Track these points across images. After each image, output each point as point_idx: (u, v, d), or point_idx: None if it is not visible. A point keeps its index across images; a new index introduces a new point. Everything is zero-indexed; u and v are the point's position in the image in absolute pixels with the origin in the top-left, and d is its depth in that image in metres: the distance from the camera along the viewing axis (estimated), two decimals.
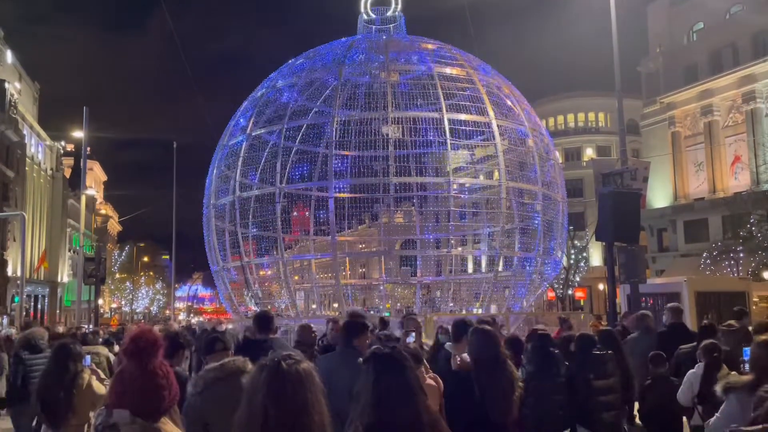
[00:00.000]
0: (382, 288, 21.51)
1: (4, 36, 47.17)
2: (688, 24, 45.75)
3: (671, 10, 46.36)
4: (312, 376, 2.20)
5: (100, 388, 5.61)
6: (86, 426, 5.65)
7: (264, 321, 6.16)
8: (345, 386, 2.79)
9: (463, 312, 17.65)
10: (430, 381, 4.64)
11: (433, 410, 2.68)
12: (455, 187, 18.45)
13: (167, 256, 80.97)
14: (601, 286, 46.81)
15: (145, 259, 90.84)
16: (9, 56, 47.76)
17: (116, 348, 10.31)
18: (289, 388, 2.13)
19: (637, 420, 7.76)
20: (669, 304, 9.76)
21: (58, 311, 55.60)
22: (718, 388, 4.83)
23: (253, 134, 17.81)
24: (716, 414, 4.83)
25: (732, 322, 7.91)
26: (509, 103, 18.25)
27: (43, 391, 5.45)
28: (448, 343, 6.16)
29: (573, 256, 44.02)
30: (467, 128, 17.15)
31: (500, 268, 17.52)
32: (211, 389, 3.97)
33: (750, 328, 8.65)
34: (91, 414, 5.50)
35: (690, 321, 14.30)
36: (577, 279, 46.23)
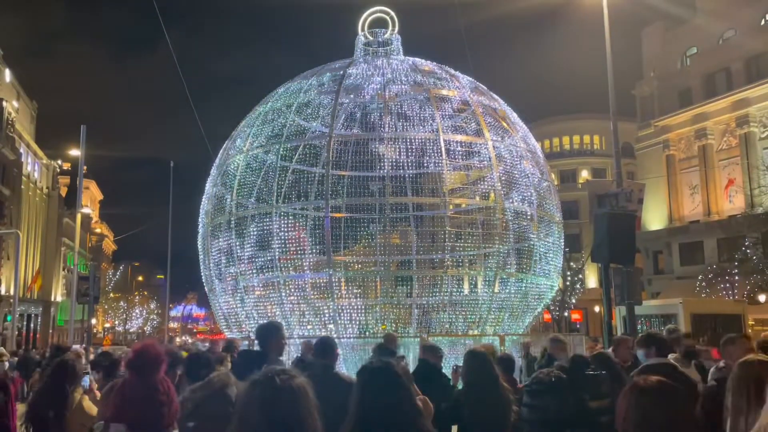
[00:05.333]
0: (377, 309, 21.36)
1: (3, 55, 47.37)
2: (682, 48, 46.29)
3: (665, 34, 46.95)
4: (306, 392, 2.19)
5: (91, 408, 5.48)
6: None
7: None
8: (332, 402, 2.78)
9: (459, 333, 17.56)
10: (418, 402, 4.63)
11: (428, 427, 2.66)
12: (451, 207, 18.46)
13: (162, 276, 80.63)
14: (597, 308, 46.72)
15: (140, 278, 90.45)
16: (7, 75, 47.93)
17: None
18: (283, 403, 2.11)
19: None
20: (668, 326, 9.76)
21: (51, 330, 55.16)
22: None
23: (250, 153, 17.85)
24: None
25: None
26: (505, 124, 18.35)
27: (33, 408, 5.37)
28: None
29: (569, 278, 43.99)
30: (463, 149, 17.23)
31: (496, 290, 17.44)
32: (201, 409, 3.92)
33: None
34: None
35: None
36: (573, 301, 46.15)
